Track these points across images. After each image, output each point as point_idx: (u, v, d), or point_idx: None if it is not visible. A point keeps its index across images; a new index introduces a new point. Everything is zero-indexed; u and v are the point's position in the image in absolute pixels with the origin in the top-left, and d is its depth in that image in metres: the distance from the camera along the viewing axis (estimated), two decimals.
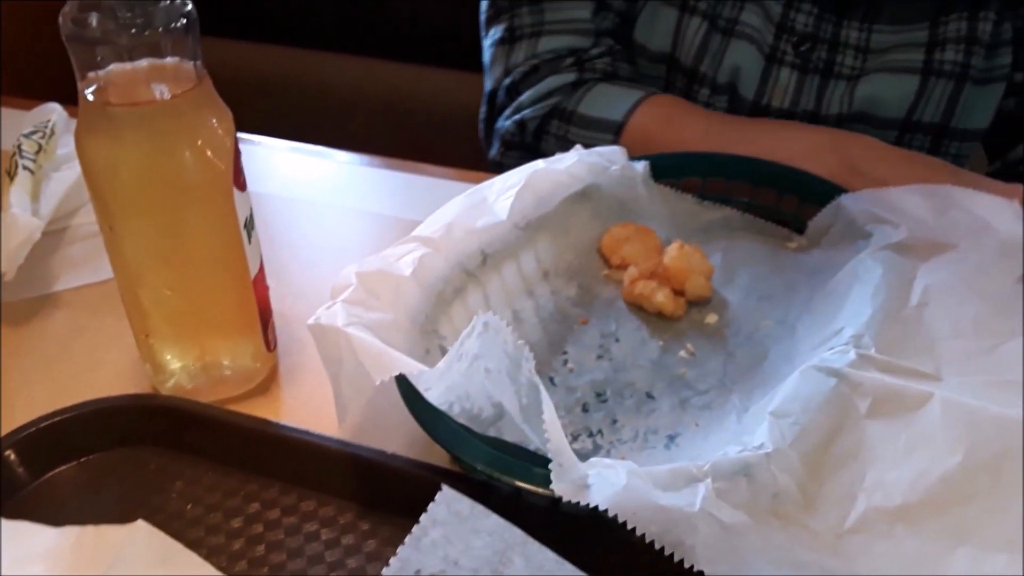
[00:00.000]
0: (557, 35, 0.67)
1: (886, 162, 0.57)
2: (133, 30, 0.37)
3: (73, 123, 0.67)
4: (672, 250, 0.54)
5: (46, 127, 0.61)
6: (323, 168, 0.73)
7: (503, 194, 0.54)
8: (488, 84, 0.73)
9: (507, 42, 0.70)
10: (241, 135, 0.44)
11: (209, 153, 0.40)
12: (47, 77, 0.88)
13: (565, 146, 0.67)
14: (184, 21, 0.38)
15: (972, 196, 0.51)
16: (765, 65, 0.65)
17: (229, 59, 1.23)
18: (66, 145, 0.64)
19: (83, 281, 0.57)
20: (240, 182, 0.43)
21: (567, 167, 0.56)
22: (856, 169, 0.57)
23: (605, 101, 0.67)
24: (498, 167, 0.74)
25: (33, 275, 0.56)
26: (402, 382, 0.42)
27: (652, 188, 0.60)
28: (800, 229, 0.58)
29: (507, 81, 0.70)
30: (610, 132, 0.67)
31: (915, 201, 0.52)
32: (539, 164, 0.56)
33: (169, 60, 0.40)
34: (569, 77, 0.68)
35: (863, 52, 0.65)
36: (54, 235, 0.59)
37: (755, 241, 0.58)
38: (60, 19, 0.38)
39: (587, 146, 0.58)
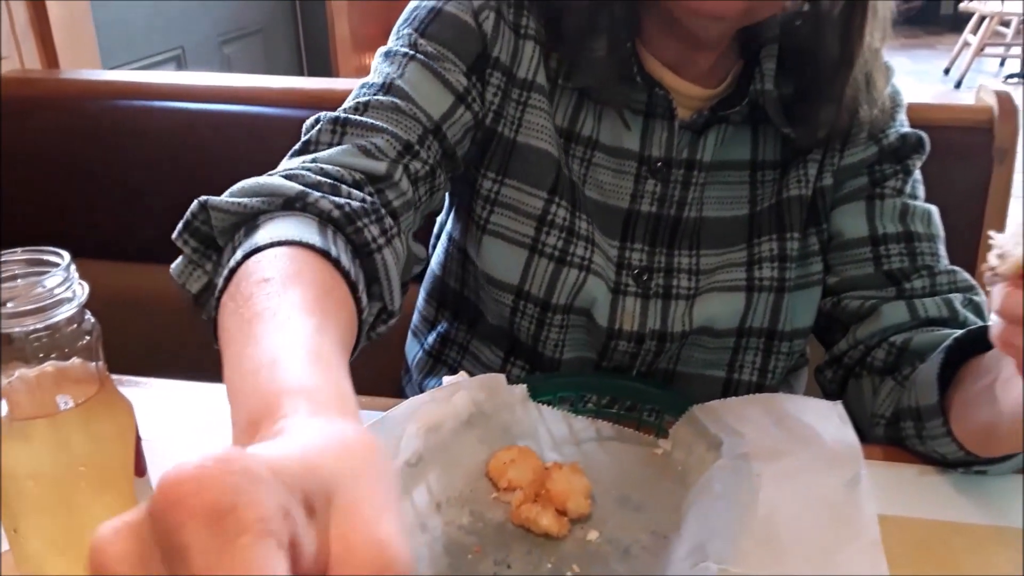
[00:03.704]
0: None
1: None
2: (40, 355, 0.40)
3: None
4: (553, 472, 0.59)
5: None
6: (210, 404, 0.74)
7: (392, 432, 0.58)
8: None
9: None
10: (122, 377, 0.44)
11: (112, 453, 0.43)
12: None
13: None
14: (88, 338, 0.42)
15: (801, 403, 0.59)
16: (613, 297, 0.74)
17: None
18: None
19: None
20: (140, 469, 0.45)
21: (452, 398, 0.61)
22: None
23: (277, 228, 0.53)
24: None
25: None
26: None
27: (530, 408, 0.65)
28: (663, 433, 0.65)
29: None
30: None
31: (755, 411, 0.60)
32: (425, 397, 0.61)
33: (72, 363, 0.43)
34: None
35: (695, 274, 0.74)
36: None
37: (626, 450, 0.64)
38: None
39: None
